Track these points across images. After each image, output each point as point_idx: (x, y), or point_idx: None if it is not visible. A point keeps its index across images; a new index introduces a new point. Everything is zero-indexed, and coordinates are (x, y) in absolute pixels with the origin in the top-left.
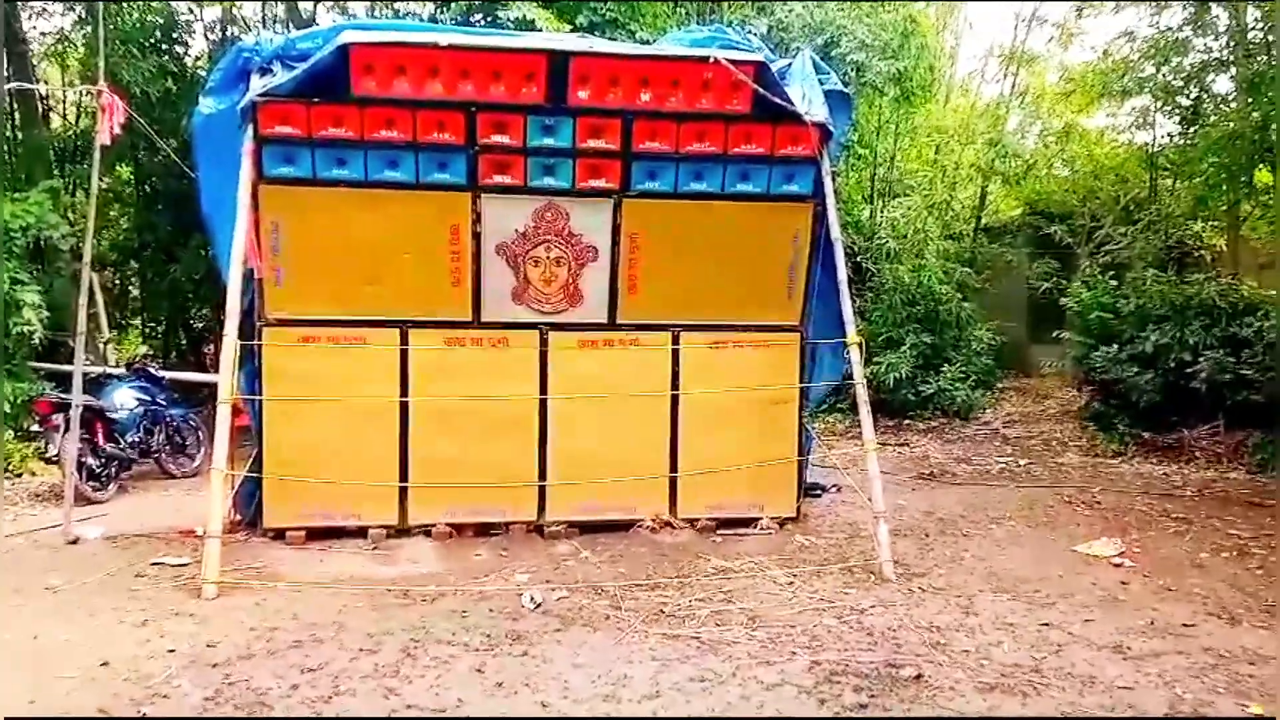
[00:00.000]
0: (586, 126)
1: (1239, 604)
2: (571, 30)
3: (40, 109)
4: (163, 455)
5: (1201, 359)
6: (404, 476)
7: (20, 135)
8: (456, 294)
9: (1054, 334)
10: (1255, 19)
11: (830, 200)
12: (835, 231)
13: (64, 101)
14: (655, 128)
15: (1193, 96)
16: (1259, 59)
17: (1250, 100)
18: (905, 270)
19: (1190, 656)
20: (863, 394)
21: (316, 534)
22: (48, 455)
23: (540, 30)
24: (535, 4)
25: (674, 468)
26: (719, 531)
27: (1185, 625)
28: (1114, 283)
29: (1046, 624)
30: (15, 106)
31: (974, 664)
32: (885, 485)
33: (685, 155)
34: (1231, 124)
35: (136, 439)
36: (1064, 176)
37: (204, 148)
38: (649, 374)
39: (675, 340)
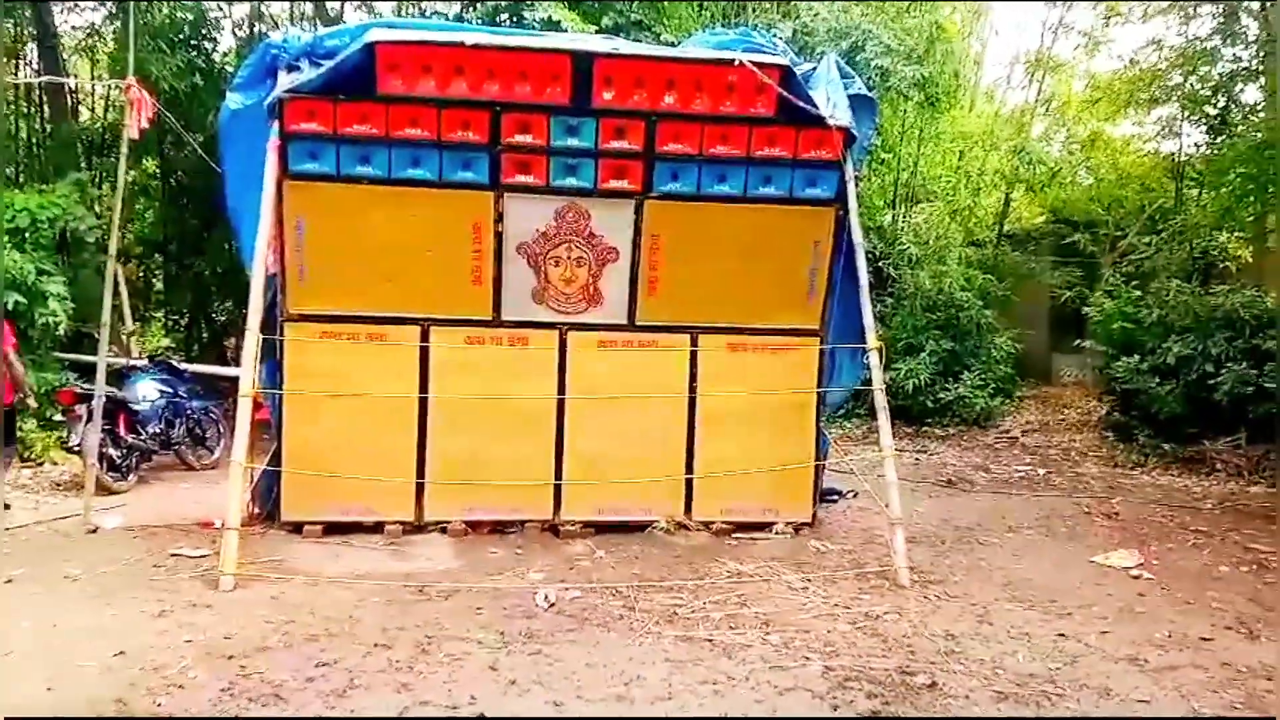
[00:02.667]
0: (610, 127)
1: (1258, 618)
2: (597, 31)
3: (70, 102)
4: (183, 447)
5: (1224, 371)
6: (421, 473)
7: (50, 128)
8: (477, 293)
9: (1075, 343)
10: None
11: (853, 205)
12: (857, 236)
13: (93, 95)
14: (679, 129)
15: (1221, 106)
16: None
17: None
18: (926, 276)
19: (1208, 671)
20: (881, 400)
21: (333, 529)
22: (69, 445)
23: (566, 31)
24: (561, 5)
25: (690, 470)
26: (734, 535)
27: (1203, 639)
28: (1137, 293)
29: (1062, 634)
30: (45, 99)
31: (988, 673)
32: (902, 492)
33: (708, 157)
34: (1260, 134)
35: (157, 430)
36: (1088, 185)
37: (230, 143)
38: (667, 376)
39: (694, 342)
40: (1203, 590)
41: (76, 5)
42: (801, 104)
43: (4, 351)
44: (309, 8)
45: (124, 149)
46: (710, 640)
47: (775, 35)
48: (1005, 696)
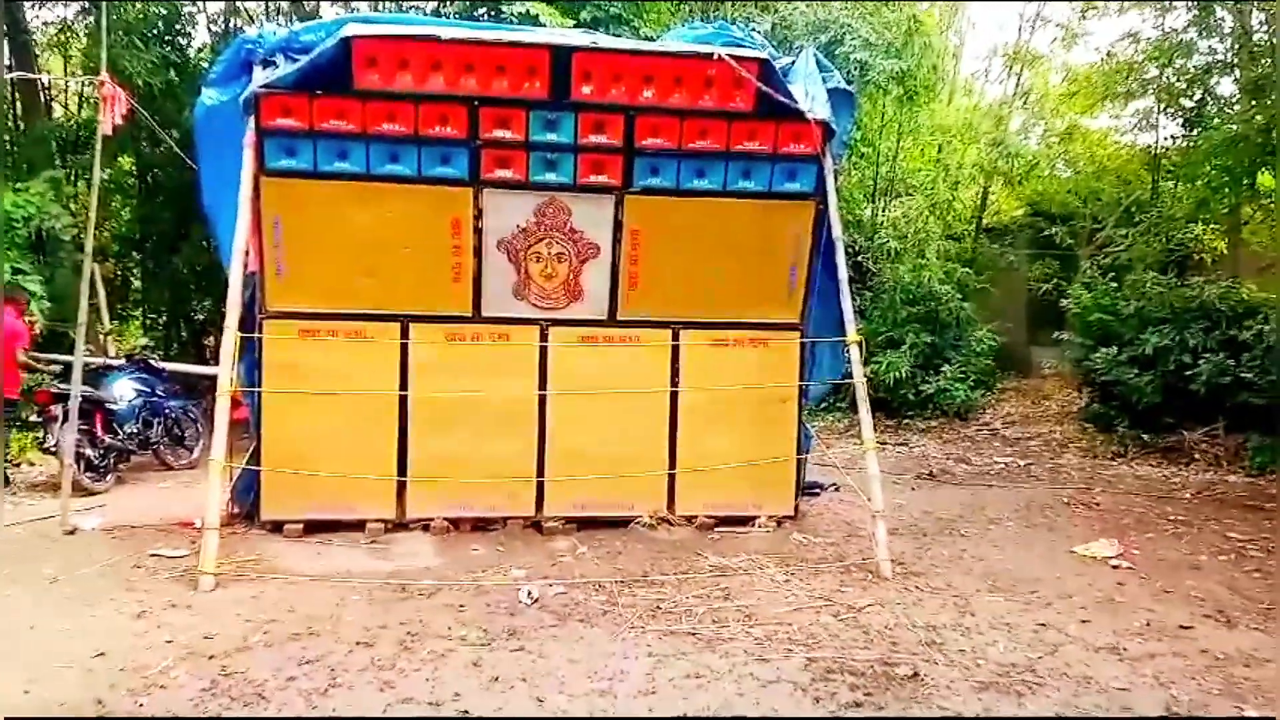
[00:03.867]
0: (589, 122)
1: (1236, 606)
2: (575, 26)
3: (42, 99)
4: (161, 447)
5: (1201, 361)
6: (402, 471)
7: (23, 125)
8: (457, 289)
9: (1054, 335)
10: (1259, 22)
11: (832, 199)
12: (836, 230)
13: (66, 92)
14: (658, 124)
15: (1196, 99)
16: (1263, 62)
17: (1254, 103)
18: (906, 270)
19: (1186, 658)
20: (862, 393)
21: (314, 527)
22: (46, 445)
23: (544, 25)
24: (539, 0)
25: (672, 465)
26: (717, 529)
27: (1182, 627)
28: (1114, 285)
29: (1043, 624)
30: (18, 96)
31: (970, 663)
32: (884, 484)
33: (688, 152)
34: (1235, 127)
35: (135, 430)
36: (1066, 177)
37: (206, 139)
38: (649, 371)
39: (675, 337)
40: (1181, 579)
41: (48, 0)
42: (780, 98)
43: (14, 349)
44: (284, 4)
45: (98, 146)
46: (693, 634)
47: (753, 29)
48: (986, 686)
